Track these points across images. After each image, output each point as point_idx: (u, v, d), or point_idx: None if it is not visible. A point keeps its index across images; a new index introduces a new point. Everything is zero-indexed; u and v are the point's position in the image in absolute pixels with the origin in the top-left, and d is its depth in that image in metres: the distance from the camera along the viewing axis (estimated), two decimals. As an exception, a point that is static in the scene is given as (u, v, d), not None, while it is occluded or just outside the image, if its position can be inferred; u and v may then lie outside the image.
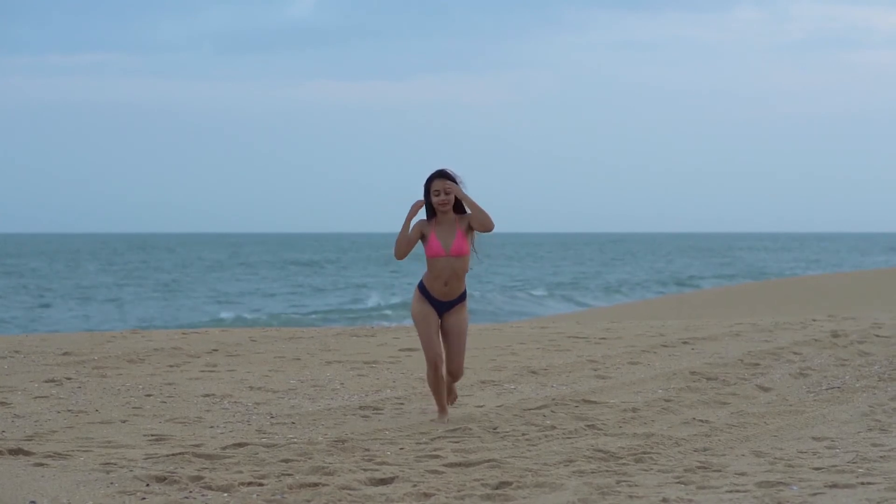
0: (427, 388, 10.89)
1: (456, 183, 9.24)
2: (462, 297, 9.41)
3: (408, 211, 9.26)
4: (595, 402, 10.32)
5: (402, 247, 9.30)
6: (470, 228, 9.27)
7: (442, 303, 9.36)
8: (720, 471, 7.49)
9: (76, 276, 66.04)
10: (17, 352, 13.40)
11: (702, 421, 9.52)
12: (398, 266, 74.63)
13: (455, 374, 9.49)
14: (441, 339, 9.43)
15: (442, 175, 9.24)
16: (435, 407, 9.71)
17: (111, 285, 57.22)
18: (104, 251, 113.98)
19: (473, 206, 9.17)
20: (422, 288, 9.40)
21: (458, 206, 9.30)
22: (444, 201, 9.22)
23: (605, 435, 8.89)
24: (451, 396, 9.74)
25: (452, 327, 9.38)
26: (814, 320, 17.91)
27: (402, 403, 10.36)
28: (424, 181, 9.28)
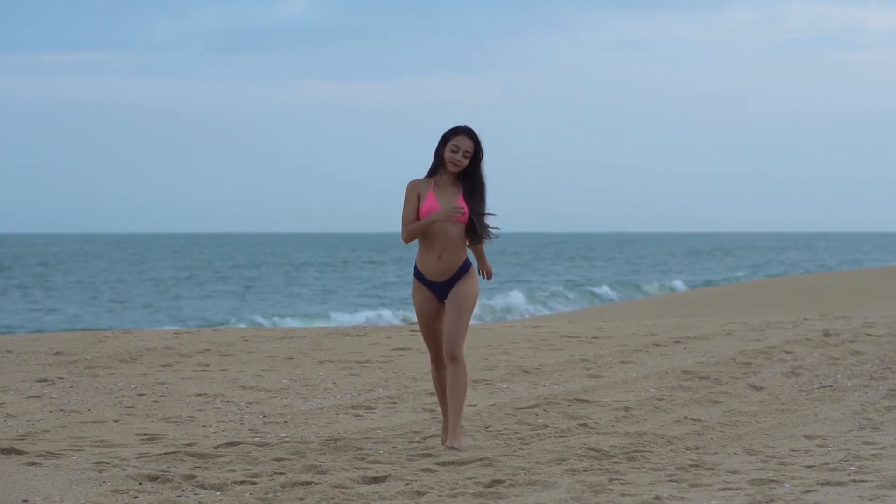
0: (426, 388, 10.88)
1: (478, 149, 8.12)
2: (463, 270, 8.19)
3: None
4: (587, 401, 10.34)
5: (410, 216, 8.17)
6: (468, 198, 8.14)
7: (440, 284, 8.18)
8: (712, 469, 7.51)
9: (139, 275, 65.74)
10: (9, 351, 13.38)
11: (694, 419, 9.54)
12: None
13: (452, 355, 8.12)
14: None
15: (469, 135, 8.15)
16: (440, 424, 8.68)
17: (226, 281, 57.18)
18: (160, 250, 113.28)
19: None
20: (416, 272, 8.27)
21: (464, 175, 8.22)
22: (458, 161, 8.11)
23: (598, 433, 8.91)
24: (453, 431, 8.24)
25: (454, 296, 8.16)
26: (805, 319, 17.95)
27: (394, 402, 10.36)
28: (445, 132, 8.17)
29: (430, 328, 8.30)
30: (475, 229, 8.17)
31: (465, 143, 8.12)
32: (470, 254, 8.34)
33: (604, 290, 48.22)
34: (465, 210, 8.14)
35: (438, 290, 8.23)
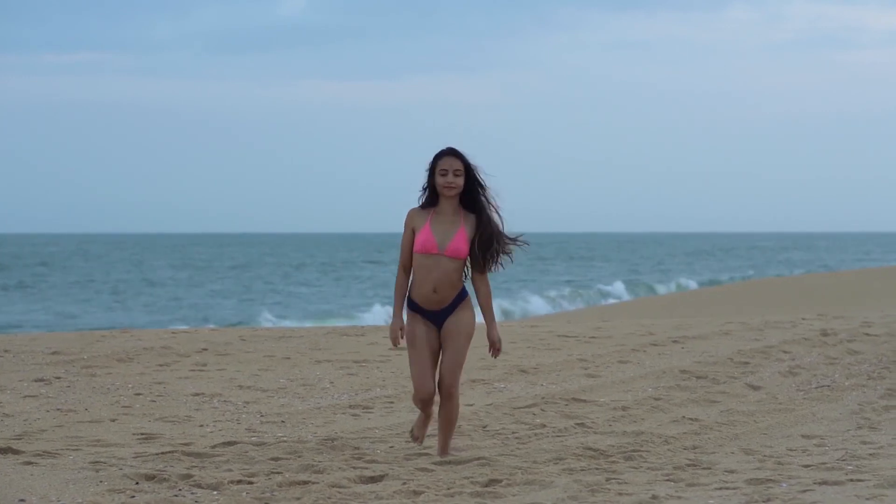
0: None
1: (468, 164, 7.73)
2: (460, 299, 7.80)
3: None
4: (585, 401, 10.34)
5: (404, 254, 7.84)
6: (476, 233, 7.73)
7: (436, 312, 7.79)
8: (710, 468, 7.50)
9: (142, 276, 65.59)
10: (6, 351, 13.38)
11: (691, 419, 9.53)
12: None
13: (447, 392, 7.84)
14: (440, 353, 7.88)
15: (453, 154, 7.74)
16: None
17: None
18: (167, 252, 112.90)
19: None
20: (410, 303, 7.85)
21: (466, 197, 7.80)
22: (451, 183, 7.68)
23: (595, 433, 8.91)
24: (443, 452, 8.01)
25: (451, 329, 7.77)
26: (803, 319, 17.94)
27: (391, 402, 10.36)
28: (430, 162, 7.77)
29: (422, 359, 7.78)
30: (483, 259, 7.75)
31: (451, 163, 7.70)
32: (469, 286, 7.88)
33: (619, 290, 48.25)
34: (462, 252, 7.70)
35: (434, 318, 7.81)
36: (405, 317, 7.91)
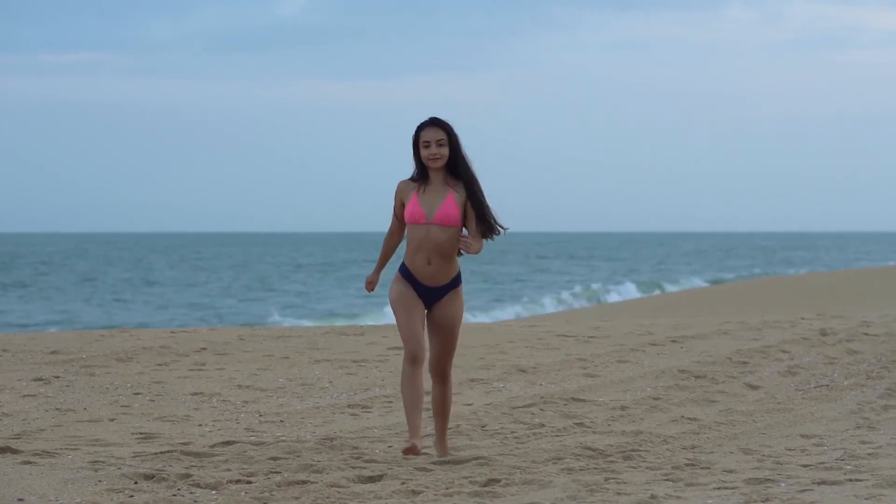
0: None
1: (451, 133, 7.73)
2: (454, 283, 7.86)
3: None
4: (584, 401, 10.34)
5: (393, 224, 8.01)
6: (468, 202, 7.74)
7: (428, 288, 7.80)
8: (708, 468, 7.50)
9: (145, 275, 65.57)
10: (5, 350, 13.37)
11: (690, 419, 9.53)
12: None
13: (441, 376, 7.95)
14: (428, 333, 7.91)
15: (435, 123, 7.74)
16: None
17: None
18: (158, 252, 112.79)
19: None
20: (403, 269, 7.88)
21: (453, 166, 7.79)
22: (434, 154, 7.69)
23: (594, 433, 8.91)
24: (441, 444, 8.05)
25: (443, 319, 7.85)
26: (802, 319, 17.93)
27: (390, 402, 10.35)
28: (413, 136, 7.79)
29: (412, 316, 7.78)
30: (480, 228, 7.76)
31: (432, 134, 7.71)
32: (463, 262, 7.96)
33: (630, 290, 48.22)
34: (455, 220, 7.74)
35: (424, 293, 7.84)
36: (396, 282, 7.95)
